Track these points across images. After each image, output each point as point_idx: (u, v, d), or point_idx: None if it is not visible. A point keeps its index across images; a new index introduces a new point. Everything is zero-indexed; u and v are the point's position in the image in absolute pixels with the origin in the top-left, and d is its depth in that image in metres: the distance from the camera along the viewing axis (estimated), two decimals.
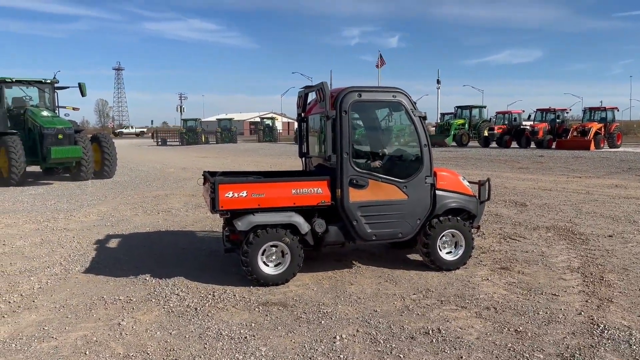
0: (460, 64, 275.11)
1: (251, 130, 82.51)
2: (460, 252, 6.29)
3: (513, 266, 6.54)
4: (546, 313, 4.96)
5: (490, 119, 38.66)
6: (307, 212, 5.89)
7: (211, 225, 9.26)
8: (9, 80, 16.57)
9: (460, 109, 38.76)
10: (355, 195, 5.80)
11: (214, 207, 5.59)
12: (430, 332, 4.56)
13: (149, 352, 4.21)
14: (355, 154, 5.95)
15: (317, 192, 5.79)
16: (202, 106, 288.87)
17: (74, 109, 18.91)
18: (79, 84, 17.35)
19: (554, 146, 31.85)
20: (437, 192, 6.12)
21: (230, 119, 57.98)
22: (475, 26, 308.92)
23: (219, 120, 58.10)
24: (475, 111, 38.47)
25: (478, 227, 6.70)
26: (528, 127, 33.73)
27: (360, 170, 5.85)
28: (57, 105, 17.66)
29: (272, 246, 5.76)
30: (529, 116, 36.39)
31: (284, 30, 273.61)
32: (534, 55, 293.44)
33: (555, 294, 5.48)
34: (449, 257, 6.27)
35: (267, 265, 5.78)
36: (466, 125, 37.20)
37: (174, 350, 4.25)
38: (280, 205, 5.75)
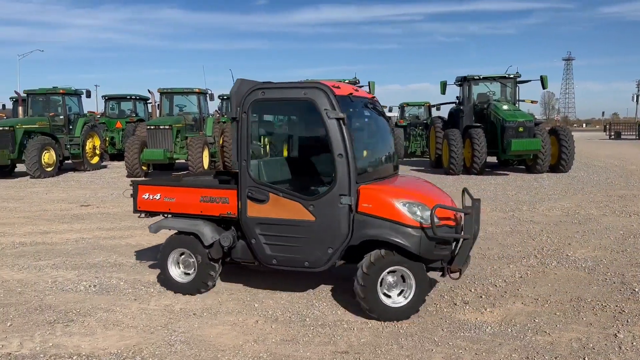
0: None
1: None
2: (410, 295, 4.74)
3: None
4: None
5: None
6: (224, 222, 5.43)
7: None
8: (477, 77, 18.12)
9: None
10: (253, 210, 5.10)
11: (134, 208, 5.71)
12: None
13: None
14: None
15: (223, 201, 5.31)
16: None
17: (532, 102, 19.19)
18: (541, 77, 17.43)
19: None
20: (358, 216, 4.76)
21: None
22: None
23: None
24: None
25: (459, 272, 4.86)
26: None
27: (259, 181, 5.06)
28: (517, 98, 18.26)
29: (181, 254, 5.52)
30: None
31: None
32: None
33: None
34: (395, 304, 4.75)
35: (179, 273, 5.57)
36: None
37: None
38: (188, 211, 5.51)
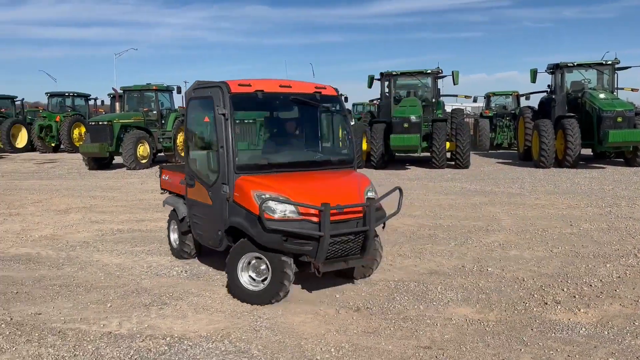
0: None
1: None
2: (265, 283, 4.97)
3: None
4: None
5: None
6: None
7: None
8: (571, 64, 17.06)
9: None
10: (189, 193, 5.99)
11: (160, 187, 7.21)
12: None
13: None
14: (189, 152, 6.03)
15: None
16: None
17: (632, 90, 17.81)
18: None
19: None
20: (231, 204, 5.19)
21: None
22: None
23: None
24: None
25: (317, 269, 4.88)
26: None
27: (191, 168, 5.90)
28: (615, 86, 17.01)
29: (176, 226, 6.53)
30: None
31: None
32: None
33: None
34: (252, 288, 5.04)
35: (173, 240, 6.71)
36: None
37: None
38: (176, 191, 6.67)
